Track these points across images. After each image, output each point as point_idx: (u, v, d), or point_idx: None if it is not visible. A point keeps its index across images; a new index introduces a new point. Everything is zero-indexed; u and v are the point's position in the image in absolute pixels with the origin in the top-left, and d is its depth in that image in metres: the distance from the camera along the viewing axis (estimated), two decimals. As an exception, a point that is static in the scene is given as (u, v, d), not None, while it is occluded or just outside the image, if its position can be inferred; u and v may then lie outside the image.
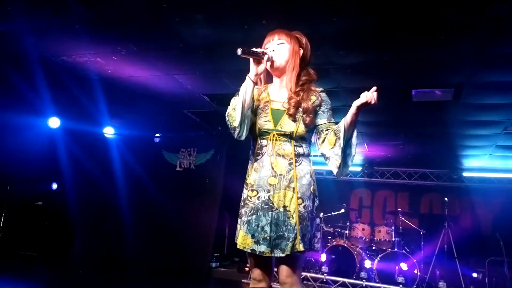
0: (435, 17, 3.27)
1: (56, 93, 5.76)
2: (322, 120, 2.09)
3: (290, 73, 2.11)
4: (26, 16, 3.76)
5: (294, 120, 2.03)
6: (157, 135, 7.50)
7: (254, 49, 2.01)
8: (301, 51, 2.16)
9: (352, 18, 3.41)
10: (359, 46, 3.90)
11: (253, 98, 2.07)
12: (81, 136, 7.26)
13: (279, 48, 2.10)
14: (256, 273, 2.08)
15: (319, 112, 2.09)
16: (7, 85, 5.49)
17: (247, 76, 2.03)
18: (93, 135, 7.46)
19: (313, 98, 2.08)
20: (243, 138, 2.07)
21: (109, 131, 7.59)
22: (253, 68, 2.02)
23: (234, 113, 2.03)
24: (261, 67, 2.04)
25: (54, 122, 6.94)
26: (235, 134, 2.06)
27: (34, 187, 7.79)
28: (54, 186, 8.04)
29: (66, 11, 3.63)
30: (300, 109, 2.04)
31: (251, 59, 2.02)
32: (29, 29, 4.02)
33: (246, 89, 2.00)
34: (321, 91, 2.14)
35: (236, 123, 2.02)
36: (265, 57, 2.02)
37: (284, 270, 1.98)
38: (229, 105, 2.11)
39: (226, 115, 2.10)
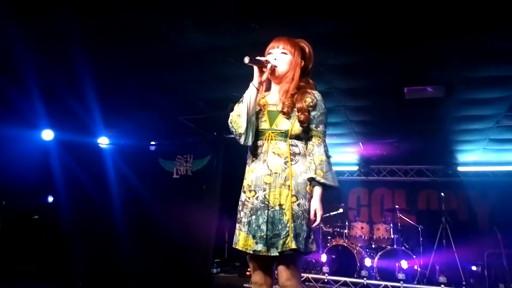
0: (424, 14, 3.31)
1: (49, 104, 5.74)
2: (311, 125, 2.11)
3: (288, 84, 2.14)
4: (18, 27, 3.76)
5: (289, 118, 2.07)
6: (153, 143, 7.49)
7: (258, 57, 2.06)
8: (303, 63, 2.19)
9: (342, 19, 3.44)
10: (350, 47, 3.94)
11: (256, 104, 2.10)
12: (76, 147, 7.22)
13: (281, 57, 2.13)
14: (257, 277, 2.08)
15: (311, 114, 2.10)
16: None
17: (250, 84, 2.07)
18: (88, 145, 7.43)
19: (308, 99, 2.11)
20: (249, 143, 2.09)
21: (103, 141, 7.57)
22: (257, 76, 2.07)
23: (239, 119, 2.07)
24: (265, 75, 2.08)
25: (47, 135, 6.90)
26: (241, 140, 2.08)
27: (30, 201, 7.72)
28: (50, 199, 7.98)
29: (57, 23, 3.64)
30: (295, 109, 2.07)
31: (255, 67, 2.06)
32: (22, 40, 4.02)
33: (250, 96, 2.05)
34: (317, 93, 2.16)
35: (242, 129, 2.05)
36: (268, 66, 2.07)
37: (283, 273, 1.98)
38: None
39: (229, 121, 2.13)
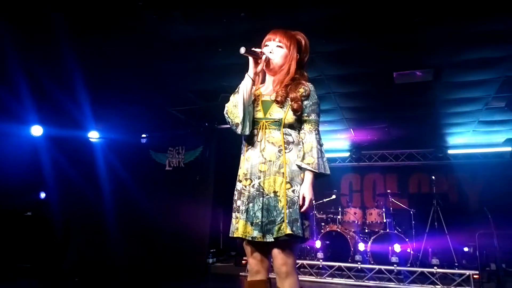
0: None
1: (38, 100, 5.66)
2: (303, 114, 2.13)
3: (283, 76, 2.16)
4: (4, 22, 3.69)
5: (282, 107, 2.09)
6: (144, 135, 7.45)
7: (253, 48, 2.07)
8: (298, 56, 2.20)
9: (330, 5, 3.43)
10: (340, 34, 3.94)
11: (252, 94, 2.12)
12: (66, 142, 7.15)
13: (276, 50, 2.15)
14: (253, 264, 2.11)
15: (303, 104, 2.12)
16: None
17: (246, 75, 2.09)
18: (78, 140, 7.36)
19: (301, 89, 2.12)
20: (247, 133, 2.09)
21: (94, 135, 7.51)
22: (253, 67, 2.09)
23: (235, 110, 2.09)
24: (260, 67, 2.11)
25: (36, 130, 6.83)
26: (238, 130, 2.09)
27: (22, 198, 7.65)
28: (42, 195, 7.93)
29: (44, 17, 3.58)
30: (288, 99, 2.09)
31: (251, 58, 2.08)
32: (10, 37, 3.96)
33: (246, 87, 2.07)
34: (310, 85, 2.17)
35: (239, 120, 2.07)
36: (263, 57, 2.09)
37: (278, 258, 2.01)
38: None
39: (225, 112, 2.15)
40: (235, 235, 2.06)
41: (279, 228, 1.95)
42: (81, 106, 5.76)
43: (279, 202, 1.99)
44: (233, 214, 2.11)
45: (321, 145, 2.12)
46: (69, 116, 6.29)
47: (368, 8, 3.46)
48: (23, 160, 7.04)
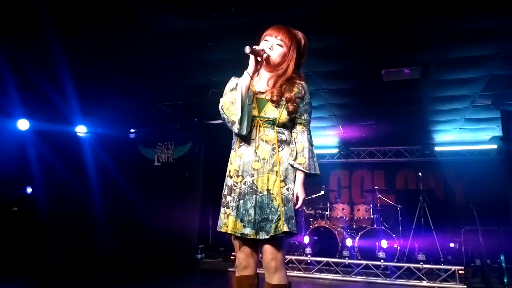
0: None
1: (24, 93, 5.58)
2: (296, 114, 2.14)
3: (280, 75, 2.15)
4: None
5: (277, 107, 2.09)
6: (132, 130, 7.40)
7: (255, 46, 2.05)
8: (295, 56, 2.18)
9: (320, 1, 3.44)
10: (328, 30, 3.95)
11: (248, 91, 2.09)
12: (53, 136, 7.06)
13: (276, 48, 2.13)
14: (241, 259, 2.12)
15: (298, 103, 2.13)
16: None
17: (245, 72, 2.07)
18: (65, 134, 7.27)
19: (296, 89, 2.13)
20: (244, 132, 2.06)
21: (81, 130, 7.43)
22: (253, 65, 2.06)
23: (232, 107, 2.06)
24: (260, 65, 2.10)
25: (23, 124, 6.73)
26: (235, 128, 2.07)
27: (8, 193, 7.56)
28: (29, 190, 7.83)
29: (32, 11, 3.53)
30: (283, 99, 2.10)
31: (252, 56, 2.05)
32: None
33: (246, 84, 2.05)
34: (304, 84, 2.18)
35: (236, 117, 2.05)
36: (264, 55, 2.08)
37: (268, 253, 2.02)
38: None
39: (220, 107, 2.13)
40: (223, 230, 2.07)
41: (276, 226, 1.96)
42: (69, 100, 5.68)
43: (274, 200, 2.00)
44: (222, 209, 2.12)
45: (312, 145, 2.15)
46: (56, 110, 6.22)
47: (357, 5, 3.48)
48: (9, 154, 6.94)
